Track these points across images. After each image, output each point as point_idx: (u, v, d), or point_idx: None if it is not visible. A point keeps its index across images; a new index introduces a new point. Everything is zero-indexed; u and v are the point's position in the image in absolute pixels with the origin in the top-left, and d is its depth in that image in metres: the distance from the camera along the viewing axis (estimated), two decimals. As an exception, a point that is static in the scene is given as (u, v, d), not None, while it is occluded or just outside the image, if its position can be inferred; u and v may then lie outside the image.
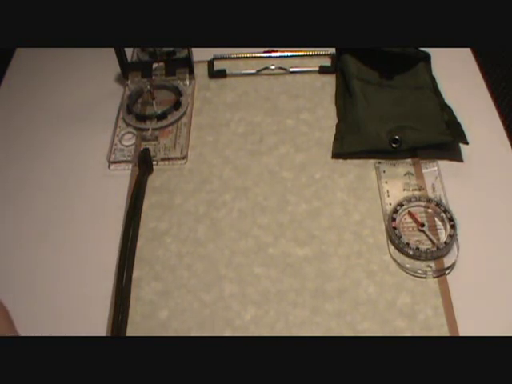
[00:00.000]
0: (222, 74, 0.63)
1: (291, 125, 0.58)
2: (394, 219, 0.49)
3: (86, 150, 0.58)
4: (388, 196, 0.52)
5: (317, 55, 0.64)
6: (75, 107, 0.62)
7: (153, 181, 0.55)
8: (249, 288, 0.47)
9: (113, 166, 0.56)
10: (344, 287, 0.46)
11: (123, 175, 0.55)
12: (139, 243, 0.50)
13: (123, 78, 0.62)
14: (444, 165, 0.54)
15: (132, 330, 0.45)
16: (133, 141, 0.57)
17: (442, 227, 0.49)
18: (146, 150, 0.55)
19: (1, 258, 0.50)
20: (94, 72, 0.65)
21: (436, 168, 0.53)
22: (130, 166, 0.56)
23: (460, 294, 0.45)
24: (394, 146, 0.54)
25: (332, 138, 0.56)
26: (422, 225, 0.49)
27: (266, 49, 0.64)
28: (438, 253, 0.47)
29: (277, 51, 0.64)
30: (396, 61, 0.60)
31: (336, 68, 0.62)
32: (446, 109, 0.57)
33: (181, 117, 0.59)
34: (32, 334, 0.44)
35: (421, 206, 0.50)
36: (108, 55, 0.60)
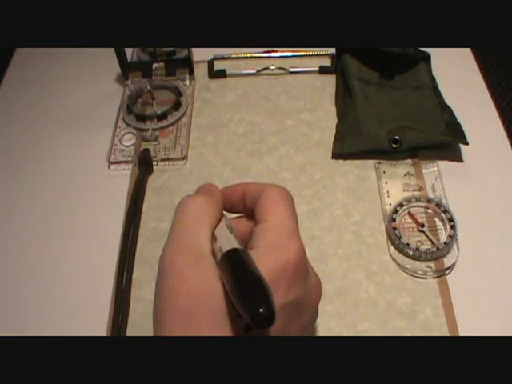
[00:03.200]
0: (222, 74, 0.63)
1: (291, 125, 0.58)
2: (393, 220, 0.49)
3: (86, 150, 0.58)
4: (388, 196, 0.52)
5: (317, 55, 0.64)
6: (75, 107, 0.62)
7: (153, 181, 0.55)
8: (249, 288, 0.47)
9: (113, 167, 0.56)
10: (344, 287, 0.46)
11: (123, 175, 0.55)
12: (139, 243, 0.50)
13: (123, 78, 0.62)
14: (444, 165, 0.54)
15: (132, 330, 0.45)
16: (133, 141, 0.57)
17: (441, 227, 0.49)
18: (146, 151, 0.55)
19: (1, 258, 0.50)
20: (94, 72, 0.65)
21: (436, 168, 0.53)
22: (130, 166, 0.56)
23: (460, 294, 0.45)
24: (394, 146, 0.54)
25: (332, 139, 0.56)
26: (422, 225, 0.49)
27: (266, 49, 0.64)
28: (437, 253, 0.47)
29: (277, 51, 0.64)
30: (396, 61, 0.60)
31: (336, 68, 0.62)
32: (446, 109, 0.57)
33: (181, 117, 0.59)
34: (32, 334, 0.44)
35: (421, 206, 0.50)
36: (108, 55, 0.60)
